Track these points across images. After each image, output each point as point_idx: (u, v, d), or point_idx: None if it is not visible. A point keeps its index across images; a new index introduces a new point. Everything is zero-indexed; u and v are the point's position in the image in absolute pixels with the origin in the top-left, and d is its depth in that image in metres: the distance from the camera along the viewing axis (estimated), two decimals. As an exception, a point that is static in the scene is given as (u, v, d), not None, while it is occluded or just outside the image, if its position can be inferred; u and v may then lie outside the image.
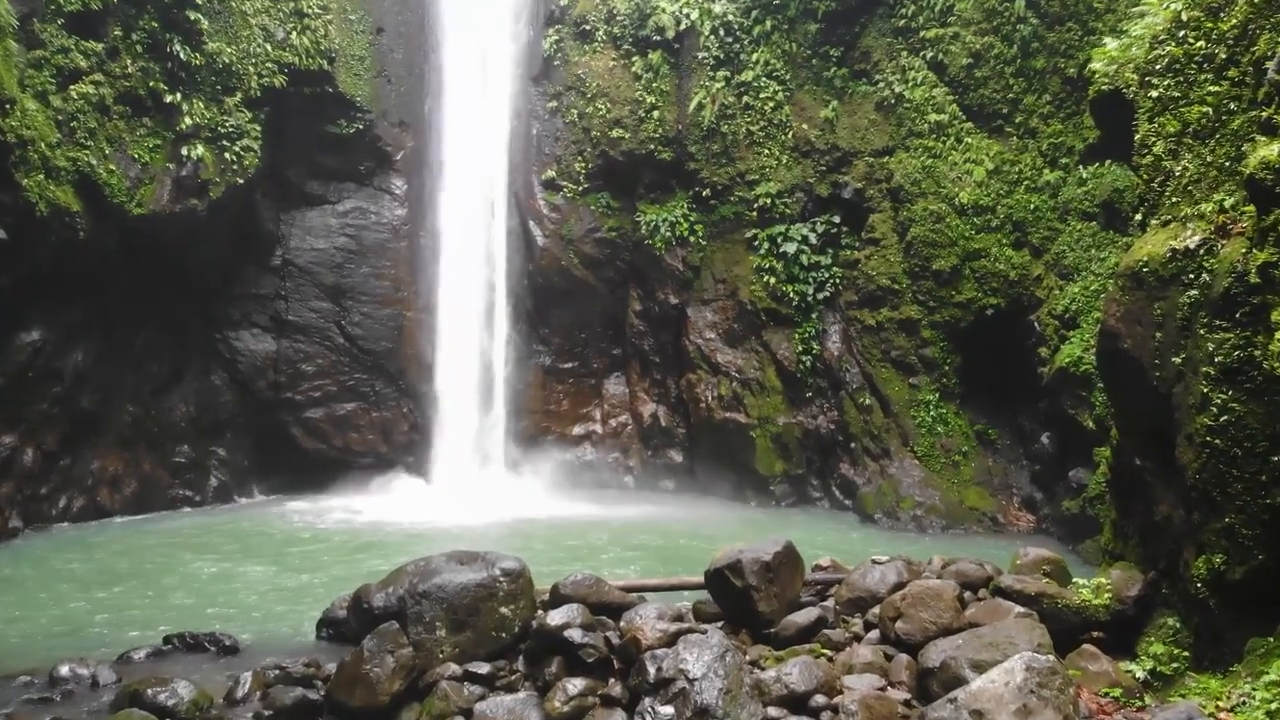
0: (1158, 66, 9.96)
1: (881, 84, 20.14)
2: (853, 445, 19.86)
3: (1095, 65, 10.88)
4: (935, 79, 19.56)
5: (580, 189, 22.66)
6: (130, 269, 18.70)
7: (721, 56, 21.28)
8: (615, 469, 22.88)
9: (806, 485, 20.69)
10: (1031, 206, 18.31)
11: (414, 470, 21.94)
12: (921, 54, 19.68)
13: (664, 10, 21.41)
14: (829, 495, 20.41)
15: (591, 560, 14.72)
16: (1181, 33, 9.76)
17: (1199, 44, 9.55)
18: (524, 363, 23.10)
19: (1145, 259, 9.51)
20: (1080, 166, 17.74)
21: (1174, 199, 9.57)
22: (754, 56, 21.10)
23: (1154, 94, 9.90)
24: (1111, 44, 10.76)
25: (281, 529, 17.64)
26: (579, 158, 22.63)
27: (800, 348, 20.71)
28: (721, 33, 21.20)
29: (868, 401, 19.77)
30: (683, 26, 21.40)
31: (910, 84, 19.70)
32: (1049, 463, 17.83)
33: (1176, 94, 9.73)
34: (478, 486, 21.56)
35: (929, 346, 19.34)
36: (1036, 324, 18.00)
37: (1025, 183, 18.56)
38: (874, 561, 10.07)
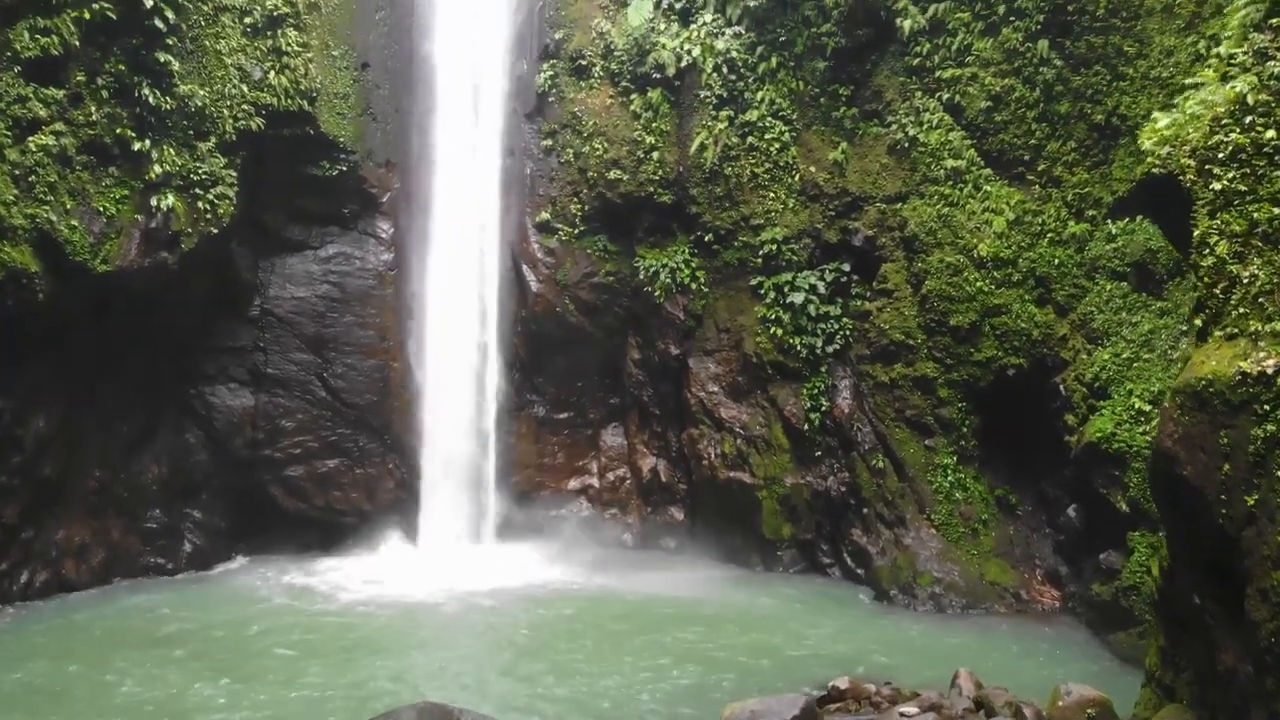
0: (1220, 155, 8.82)
1: (894, 126, 18.99)
2: (865, 510, 18.71)
3: (1145, 143, 9.74)
4: (952, 122, 18.41)
5: (576, 232, 21.51)
6: (96, 326, 17.58)
7: (724, 95, 20.12)
8: (613, 526, 21.72)
9: (816, 551, 19.54)
10: (1055, 261, 17.16)
11: (400, 530, 20.78)
12: (937, 95, 18.52)
13: (664, 46, 20.26)
14: (840, 563, 19.26)
15: (584, 668, 13.63)
16: (1248, 118, 8.63)
17: (1269, 134, 8.43)
18: (516, 414, 21.95)
19: (1209, 378, 8.37)
20: (1109, 221, 16.58)
21: (1241, 309, 8.43)
22: (759, 95, 19.95)
23: (1216, 186, 8.77)
24: (1163, 119, 9.61)
25: (254, 613, 16.32)
26: (575, 199, 21.48)
27: (808, 404, 19.55)
28: (724, 70, 20.05)
29: (881, 464, 18.61)
30: (684, 64, 20.24)
31: (925, 127, 18.54)
32: (1075, 536, 16.70)
33: (1243, 188, 8.60)
34: (467, 548, 20.46)
35: (946, 406, 18.19)
36: (1062, 388, 16.86)
37: (1049, 235, 17.41)
38: (902, 715, 8.93)
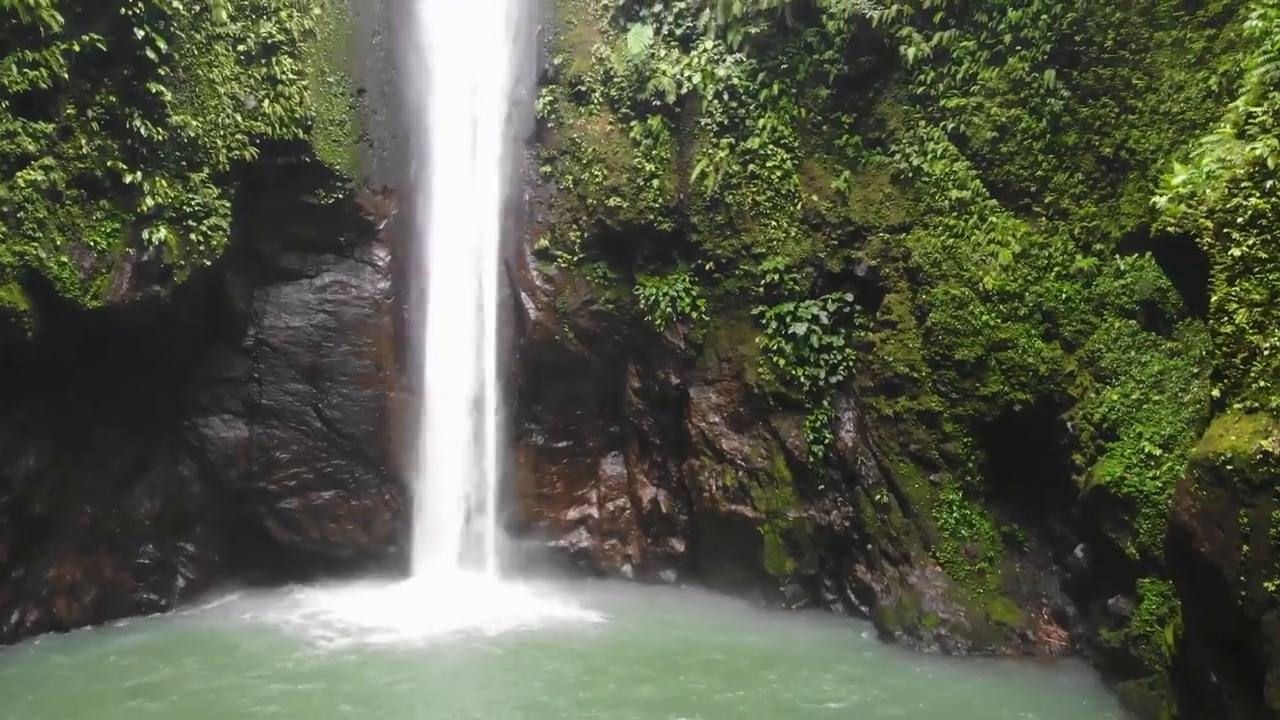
0: (1239, 219, 8.54)
1: (898, 155, 18.70)
2: (869, 547, 18.41)
3: (1160, 200, 9.44)
4: (956, 152, 18.11)
5: (575, 259, 21.21)
6: (87, 360, 17.28)
7: (725, 122, 19.82)
8: (612, 557, 21.43)
9: (819, 586, 19.23)
10: (1063, 296, 16.86)
11: (396, 563, 20.48)
12: (941, 124, 18.22)
13: (664, 73, 19.96)
14: (843, 598, 18.96)
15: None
16: (1269, 182, 8.35)
17: (1291, 200, 8.15)
18: (515, 443, 21.64)
19: (1228, 454, 8.08)
20: (1117, 256, 16.27)
21: (1262, 382, 8.14)
22: (760, 122, 19.65)
23: (1235, 253, 8.48)
24: (1179, 175, 9.31)
25: (240, 660, 15.86)
26: (574, 226, 21.18)
27: (811, 436, 19.25)
28: (725, 97, 19.75)
29: (885, 499, 18.31)
30: (684, 90, 19.94)
31: (929, 156, 18.25)
32: (1083, 576, 16.40)
33: (1263, 255, 8.32)
34: (464, 581, 20.15)
35: (951, 441, 17.88)
36: (1069, 425, 16.55)
37: (1056, 269, 17.10)
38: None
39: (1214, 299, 8.66)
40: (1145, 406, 14.87)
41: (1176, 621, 9.74)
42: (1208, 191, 8.93)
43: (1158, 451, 14.29)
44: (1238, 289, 8.41)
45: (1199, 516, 8.36)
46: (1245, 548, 7.90)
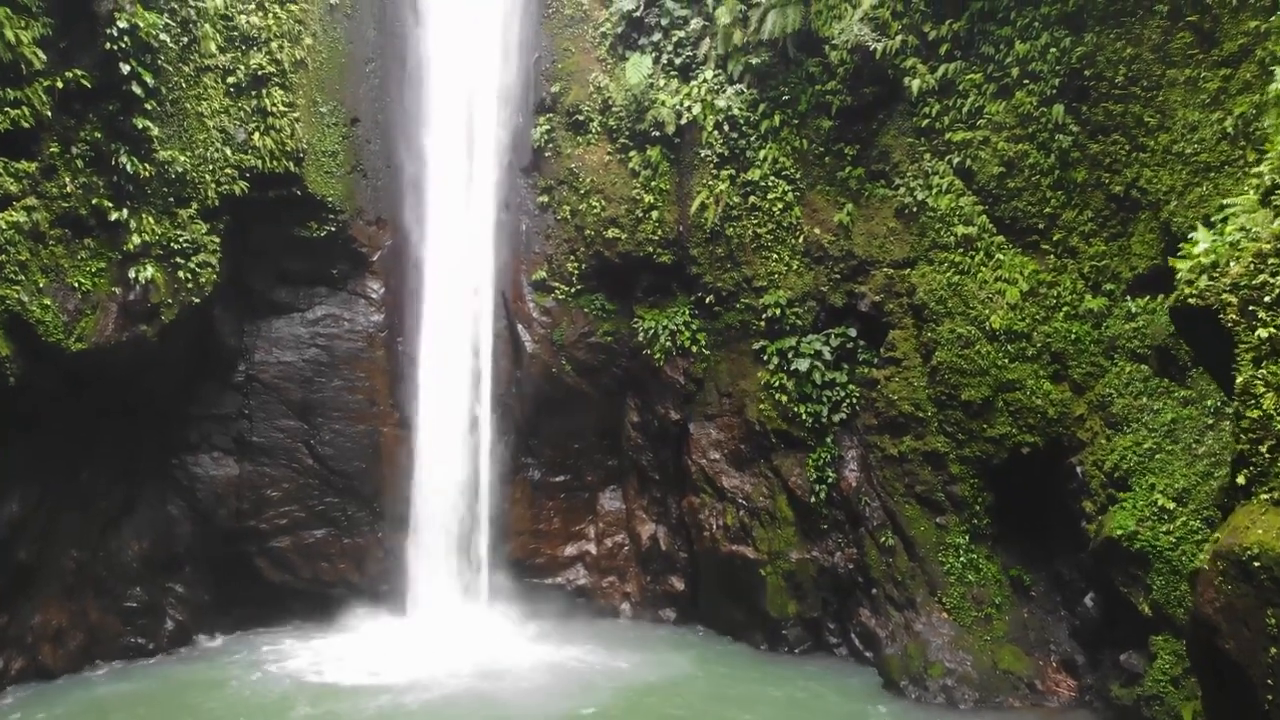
0: (1265, 298, 8.11)
1: (901, 188, 18.27)
2: (874, 591, 17.98)
3: (1181, 268, 9.01)
4: (962, 186, 17.67)
5: (573, 290, 20.82)
6: (72, 402, 16.88)
7: (726, 153, 19.41)
8: (610, 595, 21.04)
9: (823, 630, 18.81)
10: (1072, 336, 16.41)
11: (390, 602, 20.09)
12: (947, 158, 17.79)
13: (663, 104, 19.55)
14: (847, 642, 18.53)
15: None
16: (1297, 261, 7.92)
17: (1322, 281, 7.72)
18: (511, 477, 21.24)
19: (1255, 549, 7.66)
20: (1128, 298, 15.83)
21: (1291, 474, 7.71)
22: (761, 154, 19.24)
23: (1262, 333, 8.05)
24: (1200, 243, 8.88)
25: (228, 708, 15.52)
26: (571, 257, 20.79)
27: (814, 475, 18.83)
28: (726, 128, 19.34)
29: (890, 541, 17.88)
30: (683, 121, 19.52)
31: (934, 190, 17.81)
32: (1093, 625, 15.97)
33: (1292, 338, 7.89)
34: (459, 621, 19.74)
35: (958, 483, 17.45)
36: (1079, 470, 16.11)
37: (1065, 308, 16.65)
38: None
39: (1239, 380, 8.23)
40: (1158, 456, 14.44)
41: (1195, 705, 9.31)
42: (1232, 265, 8.50)
43: (1171, 505, 13.86)
44: (1264, 372, 7.98)
45: (1223, 612, 7.93)
46: (1273, 650, 7.48)
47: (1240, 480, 8.21)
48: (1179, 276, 9.08)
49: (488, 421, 20.88)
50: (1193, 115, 14.48)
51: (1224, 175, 13.91)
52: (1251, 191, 9.01)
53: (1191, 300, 8.87)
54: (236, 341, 19.51)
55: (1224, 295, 8.49)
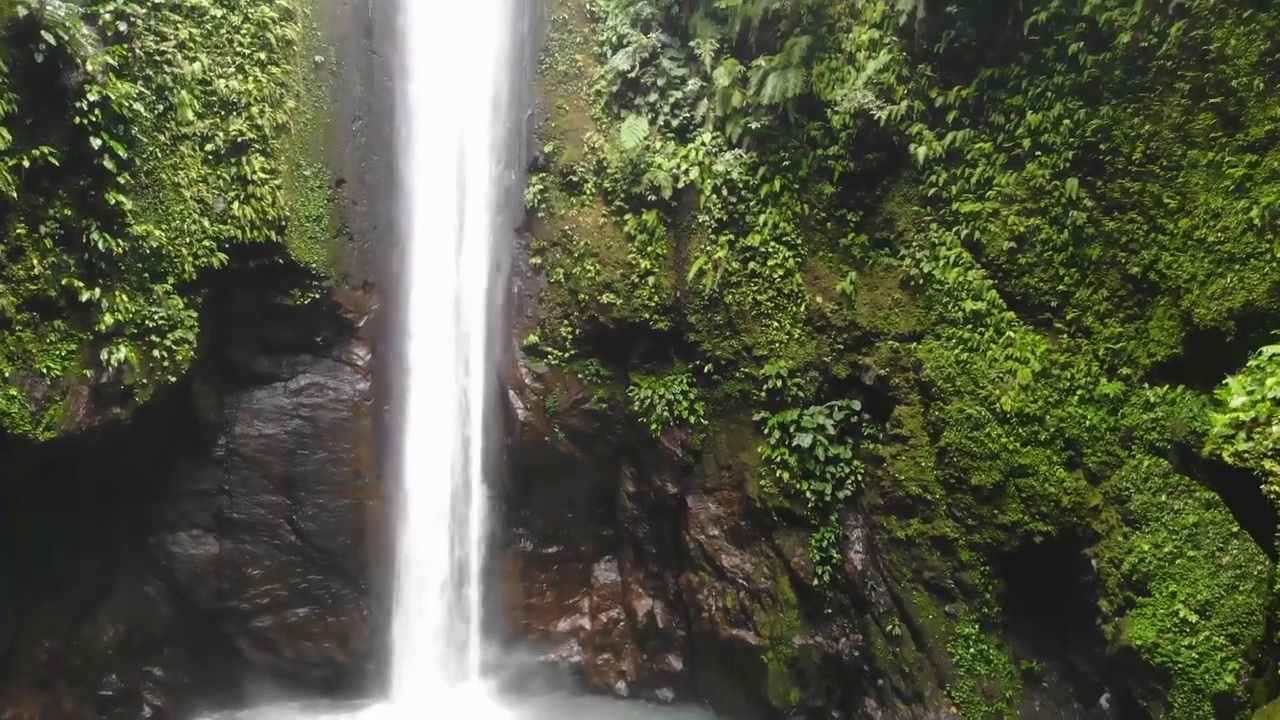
0: (1314, 473, 7.38)
1: (907, 258, 17.55)
2: (880, 681, 17.23)
3: (1217, 424, 8.28)
4: (971, 259, 16.94)
5: (566, 355, 20.08)
6: (42, 488, 16.21)
7: (724, 218, 18.69)
8: (606, 673, 20.28)
9: (826, 719, 18.04)
10: (1087, 423, 15.67)
11: (376, 682, 19.37)
12: (954, 229, 17.07)
13: (660, 167, 18.82)
14: (850, 733, 17.80)
15: None
16: (1350, 437, 7.18)
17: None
18: (502, 550, 20.51)
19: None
20: (1146, 385, 15.08)
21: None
22: (761, 219, 18.51)
23: (1311, 515, 7.31)
24: (1237, 396, 8.16)
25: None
26: (565, 321, 20.05)
27: (818, 556, 18.09)
28: (724, 192, 18.61)
29: (897, 630, 17.14)
30: (681, 185, 18.80)
31: (942, 263, 17.09)
32: (1109, 726, 15.24)
33: (1344, 523, 7.14)
34: (447, 702, 19.04)
35: (968, 570, 16.71)
36: (1094, 563, 15.36)
37: (1079, 392, 15.91)
38: None
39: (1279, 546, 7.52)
40: (1179, 562, 13.69)
41: None
42: (1274, 426, 7.76)
43: (1194, 618, 13.11)
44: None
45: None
46: None
47: (1277, 639, 7.48)
48: (1214, 431, 8.34)
49: (478, 491, 20.18)
50: (1216, 201, 13.73)
51: (1249, 269, 13.17)
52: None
53: (1229, 459, 8.13)
54: (216, 416, 18.79)
55: (1266, 463, 7.75)
